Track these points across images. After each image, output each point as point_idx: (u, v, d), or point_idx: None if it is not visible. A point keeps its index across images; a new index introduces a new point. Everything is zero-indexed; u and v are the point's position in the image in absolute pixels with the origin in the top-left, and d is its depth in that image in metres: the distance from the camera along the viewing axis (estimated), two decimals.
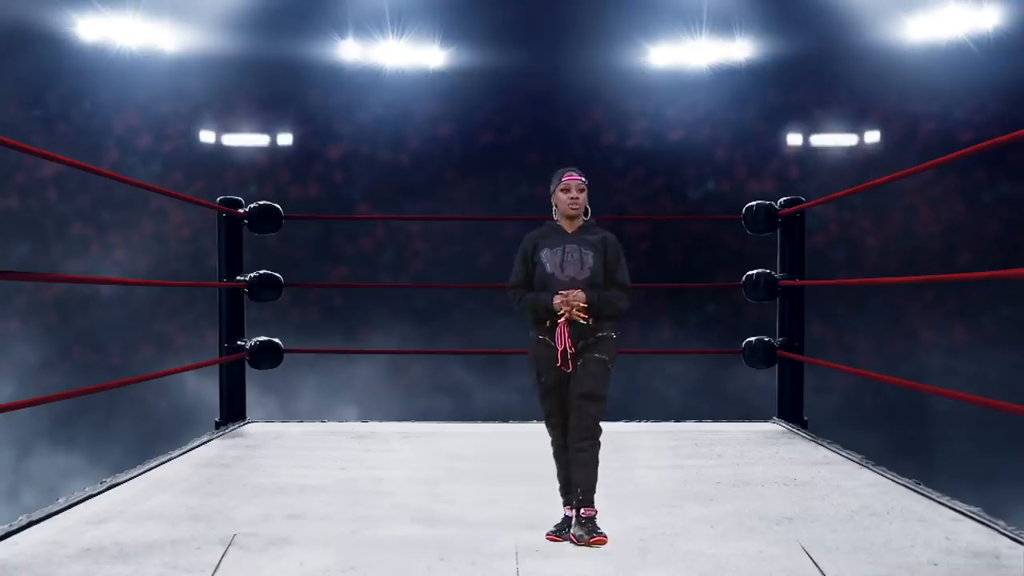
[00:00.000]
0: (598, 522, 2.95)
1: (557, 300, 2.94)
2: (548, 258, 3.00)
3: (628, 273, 3.06)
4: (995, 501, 5.55)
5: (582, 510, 2.94)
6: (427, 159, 13.23)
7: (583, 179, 3.07)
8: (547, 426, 3.07)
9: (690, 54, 13.06)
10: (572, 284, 2.96)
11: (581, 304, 2.92)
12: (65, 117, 12.80)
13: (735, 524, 3.14)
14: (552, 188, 3.09)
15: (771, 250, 5.43)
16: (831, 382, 11.82)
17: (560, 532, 2.96)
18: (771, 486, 3.69)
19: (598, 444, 2.98)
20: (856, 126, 13.10)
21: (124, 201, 12.75)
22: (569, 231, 3.05)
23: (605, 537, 2.88)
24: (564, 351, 2.94)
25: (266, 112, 13.27)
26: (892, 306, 12.66)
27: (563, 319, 2.93)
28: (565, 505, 3.04)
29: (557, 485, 3.09)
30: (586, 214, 3.08)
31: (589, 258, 2.98)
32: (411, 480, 3.78)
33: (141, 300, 12.79)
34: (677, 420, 5.28)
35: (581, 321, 2.93)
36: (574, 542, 2.88)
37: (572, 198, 3.03)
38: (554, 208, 3.10)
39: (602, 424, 3.00)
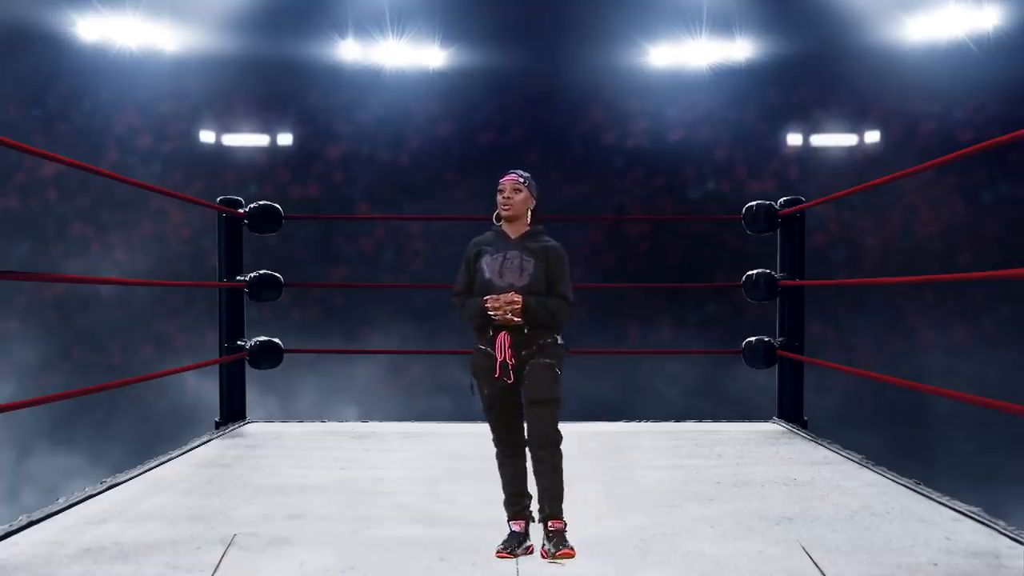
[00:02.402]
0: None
1: (489, 300, 2.83)
2: (487, 264, 2.90)
3: (571, 286, 2.93)
4: (995, 501, 5.55)
5: (550, 523, 2.81)
6: (427, 159, 13.23)
7: (520, 179, 2.95)
8: (493, 439, 2.97)
9: (690, 54, 13.05)
10: (510, 291, 2.85)
11: (514, 306, 2.81)
12: (65, 117, 12.80)
13: (735, 524, 3.14)
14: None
15: (771, 250, 5.43)
16: (831, 382, 11.82)
17: (510, 548, 2.79)
18: (771, 486, 3.69)
19: (559, 451, 2.84)
20: (856, 126, 13.10)
21: (124, 201, 12.75)
22: (512, 236, 2.95)
23: (573, 550, 2.75)
24: (503, 362, 2.83)
25: (266, 112, 13.27)
26: (892, 306, 12.66)
27: (504, 330, 2.83)
28: (512, 519, 2.89)
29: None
30: (529, 217, 2.96)
31: (530, 265, 2.88)
32: (411, 480, 3.78)
33: (141, 300, 12.79)
34: (677, 420, 5.27)
35: (515, 322, 2.82)
36: (544, 557, 2.75)
37: (505, 198, 2.93)
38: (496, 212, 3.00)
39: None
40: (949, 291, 12.49)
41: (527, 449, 2.91)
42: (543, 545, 2.79)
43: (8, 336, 12.42)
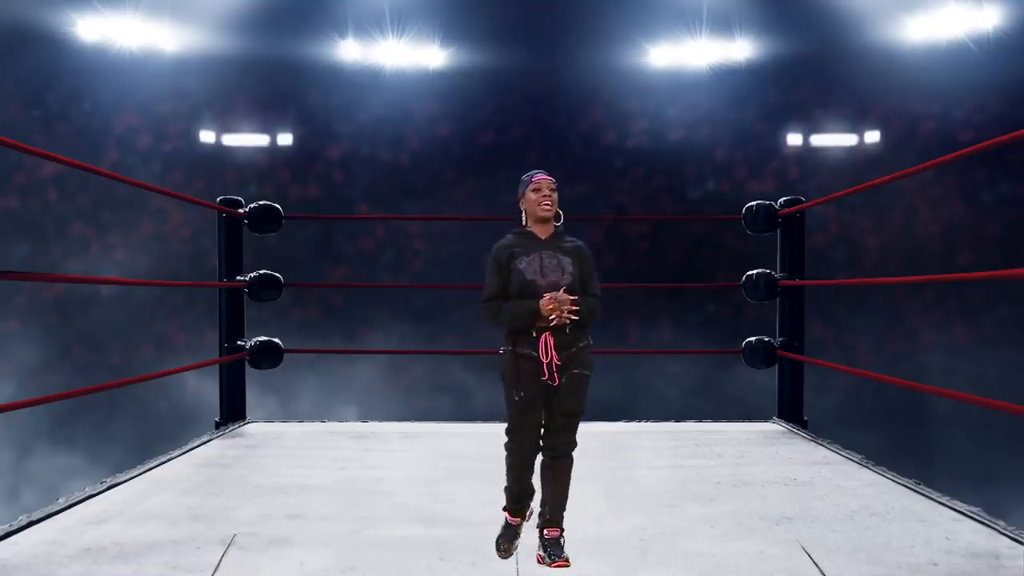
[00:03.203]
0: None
1: (546, 300, 2.74)
2: (526, 265, 2.81)
3: (599, 284, 2.90)
4: (995, 501, 5.55)
5: (546, 530, 2.78)
6: (427, 159, 13.23)
7: (554, 180, 2.89)
8: (512, 442, 2.84)
9: (690, 54, 13.06)
10: (555, 290, 2.77)
11: (571, 306, 2.74)
12: (65, 117, 12.80)
13: (735, 524, 3.14)
14: (520, 192, 2.90)
15: (771, 250, 5.43)
16: (831, 382, 11.82)
17: (507, 546, 2.81)
18: (771, 486, 3.69)
19: (572, 461, 2.83)
20: (856, 126, 13.10)
21: (124, 201, 12.76)
22: (543, 237, 2.86)
23: (568, 561, 2.73)
24: (551, 363, 2.76)
25: (266, 112, 13.27)
26: (892, 306, 12.67)
27: (547, 331, 2.75)
28: (511, 512, 2.86)
29: None
30: (558, 219, 2.90)
31: (568, 264, 2.81)
32: (411, 480, 3.78)
33: (141, 300, 12.79)
34: (677, 420, 5.27)
35: (572, 320, 2.75)
36: (540, 563, 2.74)
37: (545, 196, 2.84)
38: (523, 214, 2.90)
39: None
40: (949, 291, 12.49)
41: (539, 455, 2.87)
42: (539, 550, 2.78)
43: (8, 336, 12.42)
